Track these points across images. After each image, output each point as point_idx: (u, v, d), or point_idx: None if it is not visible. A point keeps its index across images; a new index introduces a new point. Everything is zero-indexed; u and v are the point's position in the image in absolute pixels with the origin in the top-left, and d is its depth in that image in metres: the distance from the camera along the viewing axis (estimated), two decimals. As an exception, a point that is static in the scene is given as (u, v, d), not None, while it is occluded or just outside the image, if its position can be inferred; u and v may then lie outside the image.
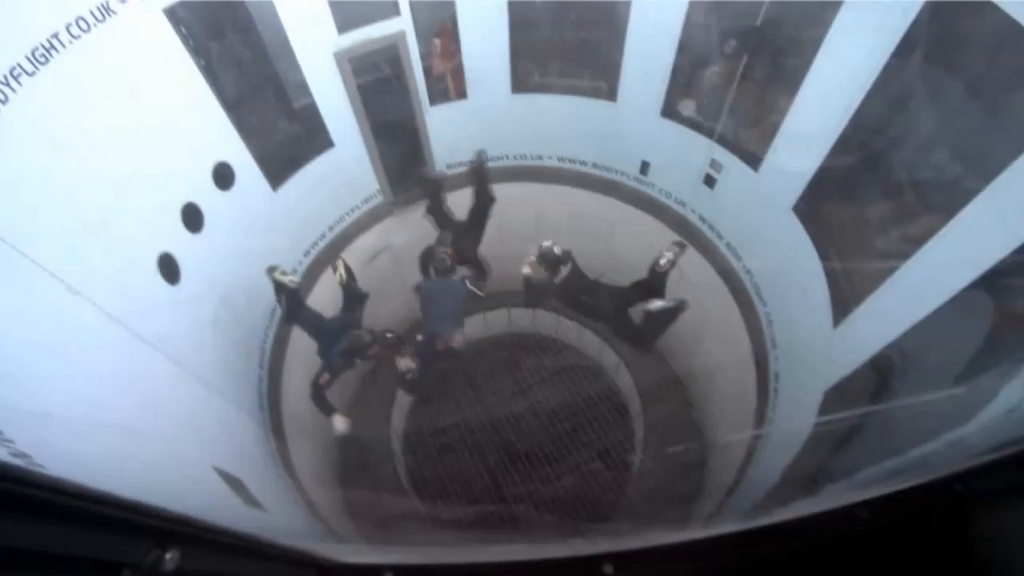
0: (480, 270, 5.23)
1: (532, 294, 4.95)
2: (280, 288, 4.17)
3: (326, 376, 4.07)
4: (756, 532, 1.37)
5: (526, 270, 4.59)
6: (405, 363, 4.40)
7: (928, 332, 3.12)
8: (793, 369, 4.44)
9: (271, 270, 4.13)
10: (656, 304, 4.42)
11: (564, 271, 4.67)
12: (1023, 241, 2.54)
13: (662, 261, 4.43)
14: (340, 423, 4.15)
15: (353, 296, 4.58)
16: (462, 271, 4.86)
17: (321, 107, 4.54)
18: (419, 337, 4.65)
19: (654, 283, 4.57)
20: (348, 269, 4.56)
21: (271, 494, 3.68)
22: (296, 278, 4.35)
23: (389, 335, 4.33)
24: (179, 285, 3.45)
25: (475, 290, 4.61)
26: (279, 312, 4.79)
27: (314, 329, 4.41)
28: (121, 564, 0.91)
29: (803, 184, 3.93)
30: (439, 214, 5.26)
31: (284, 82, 4.45)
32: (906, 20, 2.95)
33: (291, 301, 4.26)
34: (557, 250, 4.53)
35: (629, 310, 4.81)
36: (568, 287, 4.78)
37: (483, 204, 5.26)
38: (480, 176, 5.25)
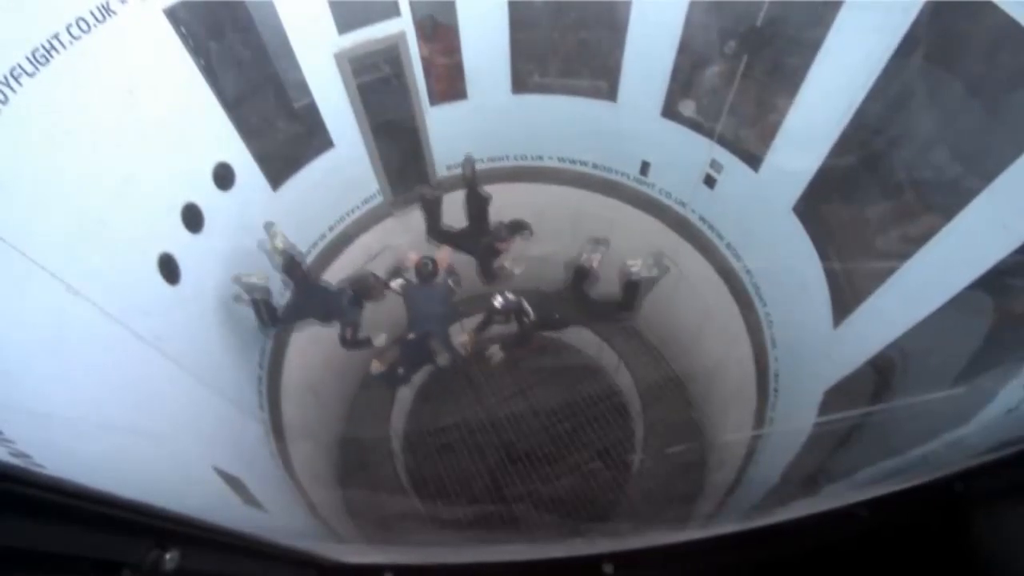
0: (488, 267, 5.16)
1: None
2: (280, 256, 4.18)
3: (349, 329, 4.31)
4: (756, 532, 1.37)
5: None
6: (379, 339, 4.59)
7: (928, 332, 3.13)
8: (793, 369, 4.44)
9: (268, 225, 4.20)
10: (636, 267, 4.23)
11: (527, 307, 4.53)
12: (1023, 241, 2.55)
13: (634, 269, 4.23)
14: (380, 339, 4.53)
15: (289, 269, 4.34)
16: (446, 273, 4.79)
17: (321, 107, 4.54)
18: (410, 336, 4.62)
19: (631, 296, 4.43)
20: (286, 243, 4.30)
21: (271, 494, 3.69)
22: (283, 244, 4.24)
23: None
24: (179, 285, 3.45)
25: (451, 284, 4.62)
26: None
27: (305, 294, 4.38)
28: (121, 564, 0.91)
29: (803, 184, 3.93)
30: (437, 232, 5.16)
31: (284, 82, 4.45)
32: (906, 20, 2.95)
33: (288, 266, 4.27)
34: (510, 296, 4.40)
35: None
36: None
37: (478, 207, 5.21)
38: (470, 182, 5.16)
